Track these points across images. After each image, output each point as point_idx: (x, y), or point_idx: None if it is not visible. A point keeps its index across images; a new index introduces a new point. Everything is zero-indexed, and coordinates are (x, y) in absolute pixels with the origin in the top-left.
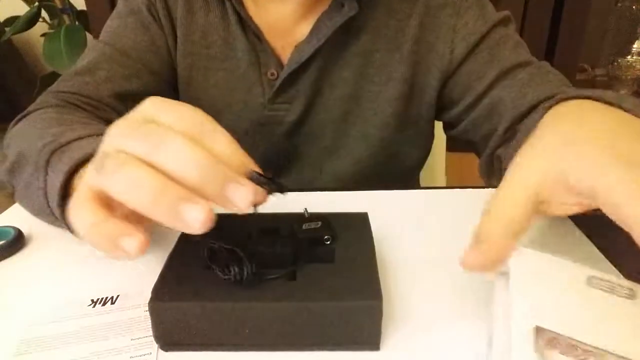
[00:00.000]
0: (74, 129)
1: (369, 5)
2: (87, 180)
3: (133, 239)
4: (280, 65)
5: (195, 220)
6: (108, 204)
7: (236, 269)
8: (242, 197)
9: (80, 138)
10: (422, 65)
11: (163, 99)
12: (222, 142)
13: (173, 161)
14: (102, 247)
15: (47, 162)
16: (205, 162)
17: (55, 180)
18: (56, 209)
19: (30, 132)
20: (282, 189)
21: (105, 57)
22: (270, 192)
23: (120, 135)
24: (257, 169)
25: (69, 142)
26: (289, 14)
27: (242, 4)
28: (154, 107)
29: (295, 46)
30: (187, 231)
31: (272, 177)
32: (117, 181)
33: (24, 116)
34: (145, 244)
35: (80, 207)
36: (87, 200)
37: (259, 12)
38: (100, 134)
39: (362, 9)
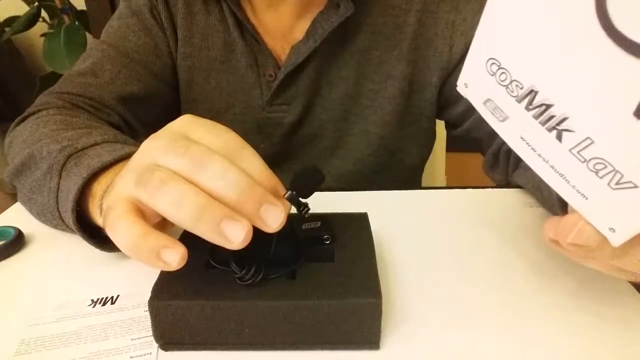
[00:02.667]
0: (89, 133)
1: (365, 3)
2: (125, 192)
3: (174, 251)
4: (278, 66)
5: (237, 236)
6: (142, 212)
7: (252, 270)
8: (275, 218)
9: (96, 144)
10: (421, 62)
11: (197, 117)
12: (255, 162)
13: (214, 180)
14: (144, 259)
15: (63, 166)
16: (244, 183)
17: (72, 185)
18: (69, 212)
19: (40, 133)
20: (308, 210)
21: (108, 58)
22: (301, 212)
23: (159, 149)
24: (289, 190)
25: (85, 148)
26: (285, 15)
27: (239, 6)
28: (188, 124)
29: (292, 47)
30: (228, 247)
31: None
32: (161, 197)
33: (27, 117)
34: (185, 255)
35: (122, 221)
36: (129, 213)
37: (255, 14)
38: (116, 141)
39: (359, 8)
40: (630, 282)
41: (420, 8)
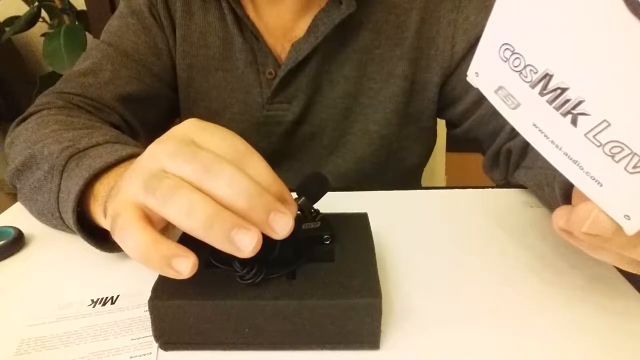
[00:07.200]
0: (90, 134)
1: (367, 1)
2: (132, 198)
3: (186, 260)
4: (278, 64)
5: (247, 245)
6: (149, 217)
7: (254, 270)
8: (284, 225)
9: (97, 144)
10: (423, 61)
11: (201, 120)
12: (262, 168)
13: (223, 188)
14: (154, 267)
15: (64, 166)
16: (253, 191)
17: (73, 186)
18: (70, 213)
19: (41, 134)
20: (319, 215)
21: (108, 58)
22: (312, 220)
23: (166, 155)
24: (299, 196)
25: (86, 149)
26: (286, 12)
27: (239, 3)
28: (193, 128)
29: (293, 44)
30: (238, 255)
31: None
32: (171, 206)
33: (28, 116)
34: (196, 263)
35: (132, 228)
36: (138, 220)
37: (256, 11)
38: (117, 142)
39: (361, 5)
40: (626, 279)
41: (422, 6)
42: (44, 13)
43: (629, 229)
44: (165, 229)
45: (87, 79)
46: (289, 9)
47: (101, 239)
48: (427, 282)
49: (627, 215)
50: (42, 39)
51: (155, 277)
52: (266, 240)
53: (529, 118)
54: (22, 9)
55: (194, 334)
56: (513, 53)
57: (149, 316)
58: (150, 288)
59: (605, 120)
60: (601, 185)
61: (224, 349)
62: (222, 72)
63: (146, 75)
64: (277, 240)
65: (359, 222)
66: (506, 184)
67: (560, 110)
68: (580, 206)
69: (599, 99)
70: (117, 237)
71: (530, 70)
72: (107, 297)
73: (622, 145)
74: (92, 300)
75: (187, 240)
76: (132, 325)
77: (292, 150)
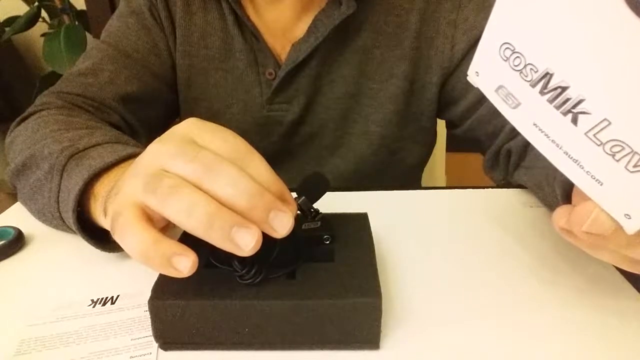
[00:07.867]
0: (90, 134)
1: (367, 2)
2: (132, 198)
3: (186, 259)
4: (278, 64)
5: (247, 244)
6: (149, 216)
7: (254, 270)
8: (284, 224)
9: (97, 144)
10: (422, 61)
11: (202, 120)
12: (262, 168)
13: (224, 188)
14: (155, 266)
15: (64, 166)
16: (253, 190)
17: (73, 186)
18: (70, 213)
19: (41, 133)
20: (318, 215)
21: (108, 58)
22: (312, 219)
23: (167, 154)
24: (299, 196)
25: (86, 148)
26: (287, 13)
27: (239, 4)
28: (194, 127)
29: (292, 45)
30: (238, 253)
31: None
32: (172, 205)
33: (28, 116)
34: (196, 261)
35: (132, 228)
36: (138, 219)
37: (256, 12)
38: (117, 142)
39: (361, 6)
40: (626, 279)
41: (422, 7)
42: (44, 13)
43: (629, 228)
44: (166, 228)
45: (87, 79)
46: (289, 9)
47: (101, 238)
48: (427, 282)
49: (628, 215)
50: (42, 39)
51: (155, 277)
52: (266, 240)
53: (529, 117)
54: (22, 9)
55: (194, 334)
56: (513, 52)
57: (149, 316)
58: (150, 288)
59: (605, 119)
60: (601, 185)
61: (224, 349)
62: (222, 72)
63: (146, 75)
64: (277, 240)
65: (359, 222)
66: (506, 184)
67: (561, 109)
68: (580, 205)
69: (600, 97)
70: (117, 237)
71: (531, 69)
72: (107, 297)
73: (623, 144)
74: (92, 300)
75: (187, 240)
76: (132, 325)
77: (292, 150)
